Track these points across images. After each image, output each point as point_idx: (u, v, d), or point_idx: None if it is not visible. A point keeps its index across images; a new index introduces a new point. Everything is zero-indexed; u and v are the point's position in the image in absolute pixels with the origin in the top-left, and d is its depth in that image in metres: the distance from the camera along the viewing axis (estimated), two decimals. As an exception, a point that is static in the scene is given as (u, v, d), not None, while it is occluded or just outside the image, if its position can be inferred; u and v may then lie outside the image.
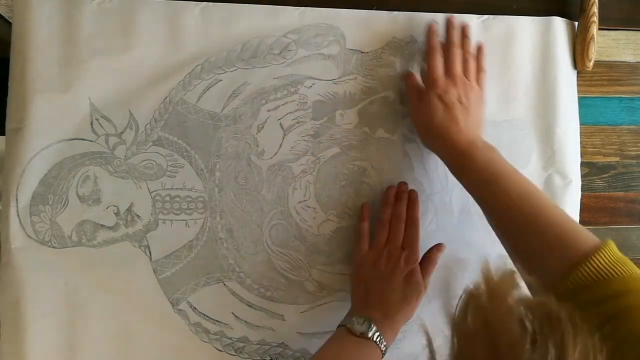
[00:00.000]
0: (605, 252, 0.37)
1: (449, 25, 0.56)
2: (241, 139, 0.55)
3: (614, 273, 0.36)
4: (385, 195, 0.57)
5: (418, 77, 0.57)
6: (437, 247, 0.56)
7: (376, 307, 0.50)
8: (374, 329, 0.47)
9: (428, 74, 0.54)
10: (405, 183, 0.57)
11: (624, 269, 0.36)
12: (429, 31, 0.56)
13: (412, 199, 0.56)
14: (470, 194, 0.50)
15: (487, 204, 0.48)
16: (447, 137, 0.50)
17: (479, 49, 0.57)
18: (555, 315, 0.24)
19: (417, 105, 0.54)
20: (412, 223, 0.55)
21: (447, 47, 0.55)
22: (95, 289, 0.53)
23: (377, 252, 0.53)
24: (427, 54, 0.55)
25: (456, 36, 0.55)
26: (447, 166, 0.52)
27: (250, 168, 0.56)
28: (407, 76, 0.57)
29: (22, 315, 0.51)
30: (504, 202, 0.45)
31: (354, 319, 0.48)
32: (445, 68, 0.53)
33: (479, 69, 0.56)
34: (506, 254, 0.49)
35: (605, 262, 0.37)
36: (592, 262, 0.37)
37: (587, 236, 0.41)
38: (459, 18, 0.57)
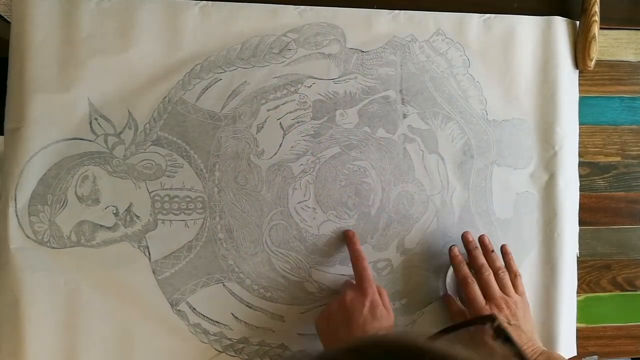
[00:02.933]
0: None
1: (468, 245, 0.56)
2: (241, 138, 0.55)
3: None
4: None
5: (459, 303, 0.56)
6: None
7: None
8: None
9: (469, 306, 0.53)
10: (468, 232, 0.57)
11: None
12: (453, 259, 0.55)
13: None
14: None
15: None
16: None
17: (505, 252, 0.56)
18: None
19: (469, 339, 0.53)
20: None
21: (478, 272, 0.54)
22: (94, 290, 0.52)
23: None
24: (461, 285, 0.54)
25: (481, 257, 0.55)
26: None
27: (250, 168, 0.55)
28: (447, 301, 0.57)
29: (21, 315, 0.51)
30: None
31: None
32: (483, 293, 0.53)
33: (514, 274, 0.55)
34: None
35: None
36: None
37: None
38: (471, 233, 0.56)
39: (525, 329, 0.52)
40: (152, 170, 0.54)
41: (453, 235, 0.58)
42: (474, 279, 0.54)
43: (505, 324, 0.48)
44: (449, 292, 0.58)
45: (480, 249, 0.56)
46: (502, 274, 0.54)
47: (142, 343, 0.53)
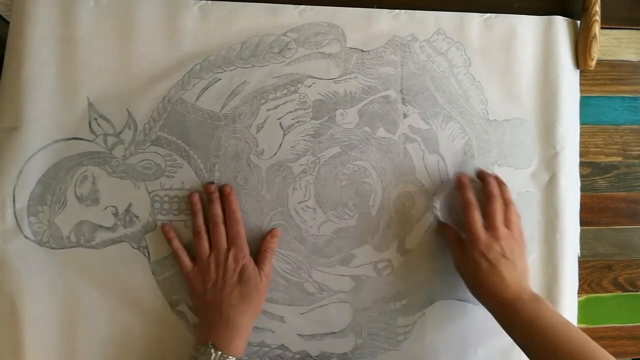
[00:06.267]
0: None
1: (483, 176, 0.56)
2: (240, 138, 0.55)
3: None
4: (191, 201, 0.53)
5: (454, 226, 0.57)
6: (271, 234, 0.54)
7: (216, 323, 0.48)
8: (214, 355, 0.46)
9: (467, 229, 0.52)
10: (213, 183, 0.54)
11: None
12: (461, 185, 0.55)
13: (225, 194, 0.53)
14: (517, 344, 0.49)
15: (535, 356, 0.47)
16: (494, 293, 0.50)
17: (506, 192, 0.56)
18: None
19: (460, 258, 0.54)
20: (231, 218, 0.52)
21: (488, 198, 0.53)
22: (93, 290, 0.52)
23: (202, 264, 0.51)
24: (463, 209, 0.53)
25: (495, 187, 0.54)
26: (495, 317, 0.51)
27: (250, 168, 0.55)
28: (444, 229, 0.57)
29: (20, 316, 0.50)
30: (554, 356, 0.45)
31: (194, 351, 0.47)
32: (486, 221, 0.52)
33: (516, 213, 0.54)
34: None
35: None
36: None
37: None
38: (485, 171, 0.57)
39: (518, 266, 0.51)
40: (151, 170, 0.54)
41: (454, 236, 0.58)
42: (478, 205, 0.53)
43: (498, 256, 0.50)
44: (442, 219, 0.57)
45: (495, 183, 0.55)
46: (509, 208, 0.54)
47: (141, 344, 0.53)
